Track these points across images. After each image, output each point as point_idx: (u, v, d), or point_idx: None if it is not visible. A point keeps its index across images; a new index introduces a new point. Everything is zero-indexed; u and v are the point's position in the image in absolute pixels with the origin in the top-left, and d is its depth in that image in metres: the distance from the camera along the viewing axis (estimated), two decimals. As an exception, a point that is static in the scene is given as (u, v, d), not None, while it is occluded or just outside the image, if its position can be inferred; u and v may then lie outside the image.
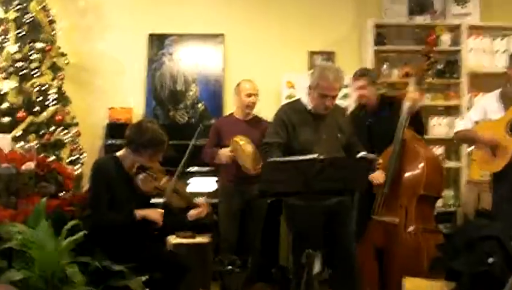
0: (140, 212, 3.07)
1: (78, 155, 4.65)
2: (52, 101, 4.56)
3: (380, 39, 5.27)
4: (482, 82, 5.17)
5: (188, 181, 4.55)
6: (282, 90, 5.25)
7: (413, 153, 3.83)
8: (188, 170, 4.54)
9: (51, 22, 4.73)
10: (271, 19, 5.40)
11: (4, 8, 4.57)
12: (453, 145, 5.18)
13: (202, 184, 4.62)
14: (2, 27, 4.54)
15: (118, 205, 3.07)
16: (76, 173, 4.45)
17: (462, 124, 3.89)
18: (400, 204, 3.78)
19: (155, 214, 3.10)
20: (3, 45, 4.52)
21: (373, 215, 3.86)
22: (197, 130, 3.46)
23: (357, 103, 4.43)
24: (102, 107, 5.17)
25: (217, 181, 4.41)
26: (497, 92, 3.73)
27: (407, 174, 3.82)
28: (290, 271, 3.58)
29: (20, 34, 4.54)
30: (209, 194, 4.17)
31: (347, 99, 5.11)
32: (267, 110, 4.77)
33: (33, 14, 4.58)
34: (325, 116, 3.38)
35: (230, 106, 4.91)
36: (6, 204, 3.21)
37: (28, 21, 4.57)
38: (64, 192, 3.53)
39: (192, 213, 3.25)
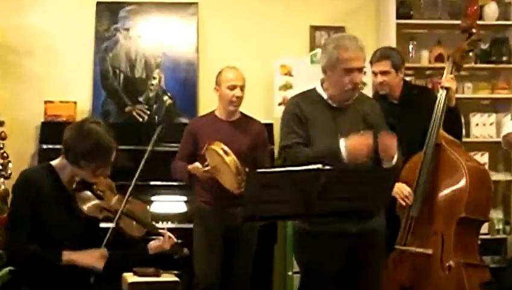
0: (69, 256, 2.99)
1: (2, 164, 4.61)
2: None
3: (403, 11, 5.28)
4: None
5: (151, 199, 4.56)
6: (275, 78, 5.23)
7: (451, 162, 3.84)
8: (153, 183, 4.58)
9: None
10: (260, -17, 5.47)
11: None
12: (501, 151, 5.20)
13: (169, 203, 4.62)
14: None
15: (49, 233, 2.99)
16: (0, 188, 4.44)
17: (514, 123, 3.96)
18: (433, 230, 3.79)
19: (90, 259, 3.01)
20: None
21: (397, 245, 3.88)
22: (156, 131, 3.34)
23: (374, 92, 4.50)
24: (36, 101, 5.15)
25: (187, 201, 4.40)
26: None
27: (443, 191, 3.84)
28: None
29: None
30: (179, 218, 4.24)
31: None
32: (255, 106, 4.69)
33: None
34: (346, 108, 3.35)
35: (208, 100, 4.89)
36: None
37: None
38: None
39: (153, 245, 3.22)
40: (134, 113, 5.28)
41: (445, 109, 3.88)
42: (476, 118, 5.26)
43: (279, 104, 5.09)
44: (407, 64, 5.19)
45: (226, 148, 3.86)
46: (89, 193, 3.10)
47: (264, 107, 5.20)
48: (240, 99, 4.15)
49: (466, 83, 5.28)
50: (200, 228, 4.18)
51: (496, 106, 5.40)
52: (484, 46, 5.29)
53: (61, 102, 5.09)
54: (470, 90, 5.30)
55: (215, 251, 4.12)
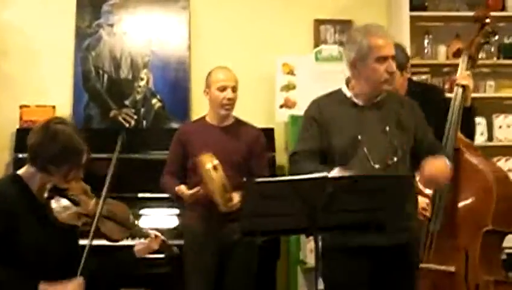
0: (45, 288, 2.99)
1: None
2: None
3: (418, 2, 5.31)
4: None
5: (139, 213, 4.59)
6: (276, 78, 5.24)
7: (473, 168, 3.85)
8: (141, 195, 4.63)
9: None
10: (259, -27, 5.52)
11: None
12: None
13: (160, 218, 4.63)
14: None
15: (23, 251, 2.97)
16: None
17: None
18: (456, 245, 3.80)
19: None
20: None
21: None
22: (118, 142, 3.34)
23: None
24: (10, 106, 5.17)
25: (179, 215, 4.42)
26: None
27: (466, 201, 3.85)
28: None
29: None
30: (171, 233, 4.24)
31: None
32: (254, 108, 4.66)
33: None
34: (374, 106, 3.35)
35: (200, 103, 4.82)
36: None
37: None
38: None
39: (140, 248, 3.25)
40: (120, 118, 5.29)
41: (461, 109, 3.88)
42: (499, 120, 5.28)
43: (281, 106, 5.13)
44: (422, 62, 5.33)
45: (216, 162, 3.87)
46: (63, 200, 3.08)
47: (264, 110, 5.24)
48: (231, 101, 4.14)
49: (488, 80, 5.38)
50: (190, 247, 4.17)
51: (521, 107, 5.43)
52: (508, 40, 5.37)
53: (38, 106, 5.09)
54: (492, 88, 5.36)
55: (208, 275, 4.12)
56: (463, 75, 3.91)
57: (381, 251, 3.22)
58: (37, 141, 2.99)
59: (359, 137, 3.27)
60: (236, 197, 3.83)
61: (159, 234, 3.29)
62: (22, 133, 4.94)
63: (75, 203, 3.09)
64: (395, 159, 3.26)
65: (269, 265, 4.60)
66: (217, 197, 3.88)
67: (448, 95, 4.25)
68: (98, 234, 3.09)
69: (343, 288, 3.27)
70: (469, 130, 4.02)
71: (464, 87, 3.89)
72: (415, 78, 5.11)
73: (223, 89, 4.11)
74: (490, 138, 5.20)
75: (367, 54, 3.25)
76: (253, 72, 5.18)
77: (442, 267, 3.75)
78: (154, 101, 5.31)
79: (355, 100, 3.33)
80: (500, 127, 5.25)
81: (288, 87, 5.16)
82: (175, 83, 5.32)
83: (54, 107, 5.13)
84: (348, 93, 3.34)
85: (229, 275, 4.13)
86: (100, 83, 5.30)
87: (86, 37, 5.31)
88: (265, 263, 4.45)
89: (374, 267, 3.26)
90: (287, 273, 5.01)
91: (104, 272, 3.17)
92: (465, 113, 3.92)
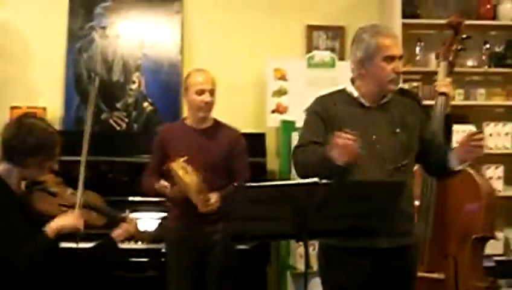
0: (51, 227, 3.06)
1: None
2: None
3: (410, 10, 5.30)
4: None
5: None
6: (267, 83, 5.23)
7: (461, 175, 3.75)
8: (132, 199, 4.63)
9: None
10: (251, -22, 5.51)
11: None
12: None
13: (150, 221, 4.60)
14: None
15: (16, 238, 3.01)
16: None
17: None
18: (444, 253, 3.80)
19: (70, 220, 3.09)
20: None
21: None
22: (84, 141, 3.41)
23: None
24: (1, 107, 5.15)
25: (164, 218, 4.40)
26: None
27: (456, 209, 3.86)
28: None
29: None
30: (154, 235, 4.26)
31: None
32: (245, 113, 4.65)
33: None
34: (381, 107, 3.35)
35: None
36: None
37: None
38: None
39: (119, 233, 3.28)
40: (111, 121, 5.28)
41: (443, 117, 3.83)
42: (489, 128, 5.26)
43: (273, 111, 5.12)
44: (413, 69, 5.25)
45: (186, 166, 3.88)
46: (42, 193, 3.18)
47: (256, 115, 5.24)
48: (209, 105, 4.13)
49: (478, 89, 5.36)
50: (171, 249, 4.19)
51: (511, 114, 5.42)
52: (499, 49, 5.37)
53: (29, 108, 5.04)
54: (483, 96, 5.33)
55: (189, 273, 4.11)
56: (445, 82, 3.84)
57: (383, 253, 3.21)
58: (13, 136, 3.03)
59: (374, 137, 3.26)
60: (213, 197, 3.85)
61: (133, 217, 3.34)
62: (12, 135, 5.04)
63: (53, 195, 3.19)
64: (406, 161, 3.26)
65: (259, 270, 4.60)
66: (195, 200, 3.89)
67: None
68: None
69: (344, 289, 3.26)
70: (448, 138, 3.95)
71: (445, 94, 3.82)
72: (406, 85, 5.15)
73: (201, 92, 4.09)
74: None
75: (375, 53, 3.25)
76: (245, 77, 5.17)
77: (433, 275, 3.75)
78: (145, 104, 5.31)
79: (362, 100, 3.32)
80: (491, 135, 5.22)
81: (280, 92, 5.14)
82: (167, 87, 5.31)
83: (45, 109, 5.13)
84: (355, 93, 3.32)
85: (209, 277, 4.12)
86: (92, 86, 5.24)
87: (78, 40, 5.30)
88: (256, 268, 4.48)
89: (374, 270, 3.24)
90: (276, 279, 5.00)
91: (86, 257, 3.21)
92: (446, 122, 3.87)
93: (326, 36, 5.49)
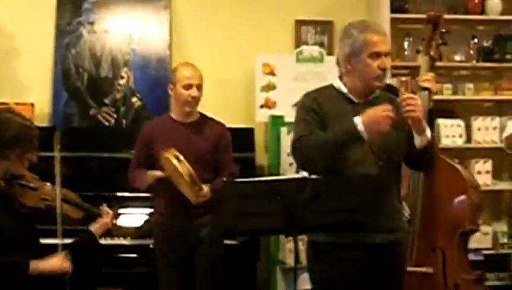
0: (38, 266, 3.09)
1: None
2: None
3: (398, 4, 5.31)
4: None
5: (118, 211, 4.50)
6: (256, 78, 5.23)
7: (448, 170, 3.87)
8: (121, 194, 4.63)
9: None
10: (240, -27, 5.50)
11: None
12: (505, 157, 5.18)
13: (140, 216, 4.63)
14: None
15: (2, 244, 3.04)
16: None
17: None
18: (432, 246, 3.81)
19: (58, 262, 3.15)
20: None
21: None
22: (54, 139, 3.44)
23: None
24: None
25: (151, 214, 4.39)
26: None
27: (444, 203, 3.86)
28: None
29: None
30: (139, 231, 4.35)
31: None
32: (234, 108, 4.65)
33: None
34: (370, 103, 3.30)
35: None
36: None
37: None
38: None
39: (96, 226, 3.38)
40: (100, 117, 5.27)
41: (427, 112, 3.76)
42: (477, 122, 5.26)
43: (261, 106, 5.11)
44: (402, 64, 5.23)
45: (179, 156, 3.87)
46: (22, 187, 3.24)
47: (245, 110, 5.23)
48: (196, 99, 4.14)
49: (467, 83, 5.32)
50: (160, 243, 4.18)
51: (499, 109, 5.42)
52: (487, 43, 5.36)
53: (16, 104, 4.91)
54: (471, 91, 5.32)
55: (178, 268, 4.11)
56: (427, 77, 3.76)
57: (372, 248, 3.20)
58: None
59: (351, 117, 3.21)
60: (205, 187, 3.85)
61: (109, 209, 3.43)
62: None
63: (33, 189, 3.25)
64: (395, 157, 3.25)
65: (249, 266, 4.61)
66: (187, 190, 3.88)
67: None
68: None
69: (332, 283, 3.22)
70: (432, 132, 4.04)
71: (428, 90, 3.77)
72: (395, 80, 5.16)
73: (188, 87, 4.09)
74: (469, 140, 5.17)
75: (361, 49, 3.24)
76: (234, 71, 5.17)
77: (421, 269, 3.77)
78: (134, 99, 5.30)
79: (351, 96, 3.30)
80: (479, 129, 5.23)
81: (269, 87, 5.13)
82: (155, 82, 5.30)
83: (32, 104, 5.12)
84: (344, 89, 3.31)
85: (198, 272, 4.12)
86: (80, 81, 5.28)
87: (66, 35, 5.28)
88: (245, 263, 4.48)
89: (363, 264, 3.22)
90: (266, 274, 5.00)
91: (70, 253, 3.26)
92: (428, 115, 3.84)
93: (315, 31, 5.48)
